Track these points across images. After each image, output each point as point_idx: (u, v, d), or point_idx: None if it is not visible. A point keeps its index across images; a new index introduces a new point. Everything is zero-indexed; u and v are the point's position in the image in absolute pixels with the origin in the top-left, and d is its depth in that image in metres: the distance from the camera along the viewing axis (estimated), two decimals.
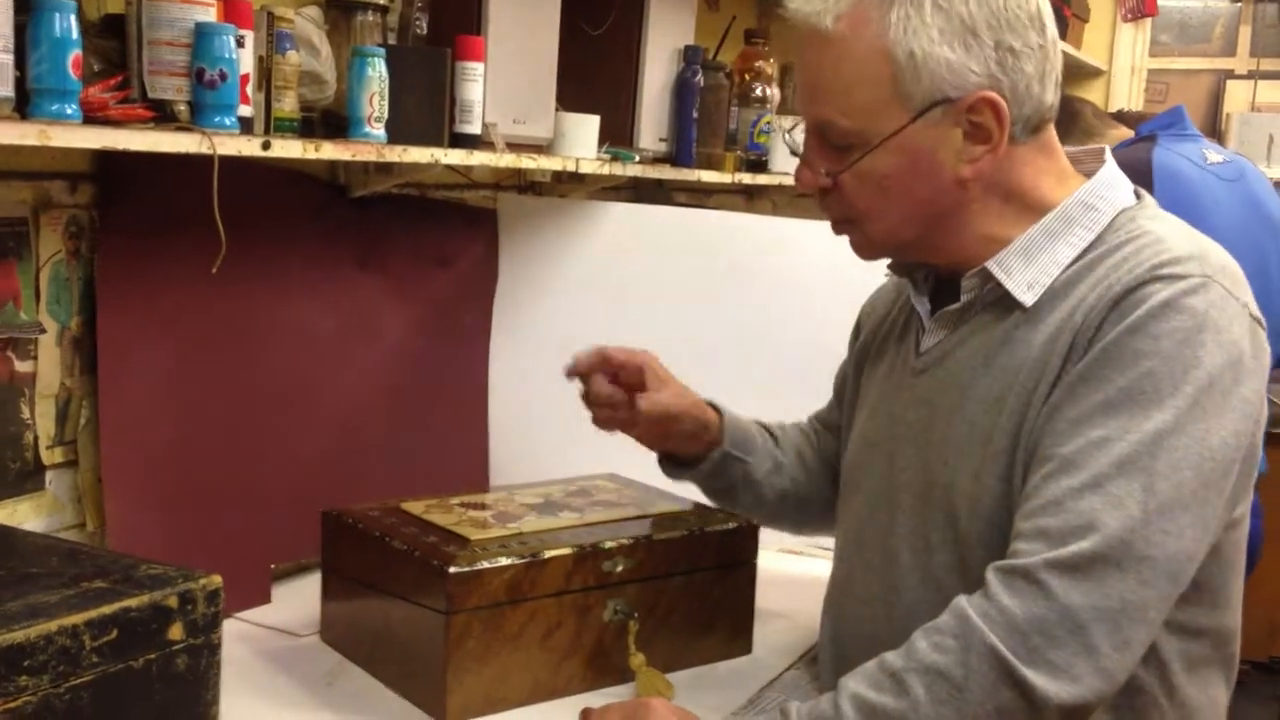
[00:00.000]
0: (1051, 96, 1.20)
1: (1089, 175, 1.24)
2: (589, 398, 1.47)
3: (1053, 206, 1.20)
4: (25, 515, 1.47)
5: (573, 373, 1.47)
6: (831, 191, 1.21)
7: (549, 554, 1.36)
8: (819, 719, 1.08)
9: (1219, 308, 1.09)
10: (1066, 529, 1.05)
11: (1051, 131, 1.23)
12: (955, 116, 1.15)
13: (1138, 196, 1.24)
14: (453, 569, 1.29)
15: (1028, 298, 1.18)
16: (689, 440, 1.48)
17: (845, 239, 1.29)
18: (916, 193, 1.18)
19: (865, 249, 1.26)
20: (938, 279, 1.29)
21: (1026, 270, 1.19)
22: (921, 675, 1.05)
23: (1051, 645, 1.02)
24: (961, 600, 1.08)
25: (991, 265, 1.19)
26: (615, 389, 1.47)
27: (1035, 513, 1.08)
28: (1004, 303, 1.20)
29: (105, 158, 1.48)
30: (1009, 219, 1.21)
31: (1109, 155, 1.25)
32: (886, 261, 1.34)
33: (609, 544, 1.40)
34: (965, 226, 1.21)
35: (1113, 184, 1.23)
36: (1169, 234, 1.17)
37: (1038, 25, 1.17)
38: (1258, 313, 1.14)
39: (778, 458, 1.53)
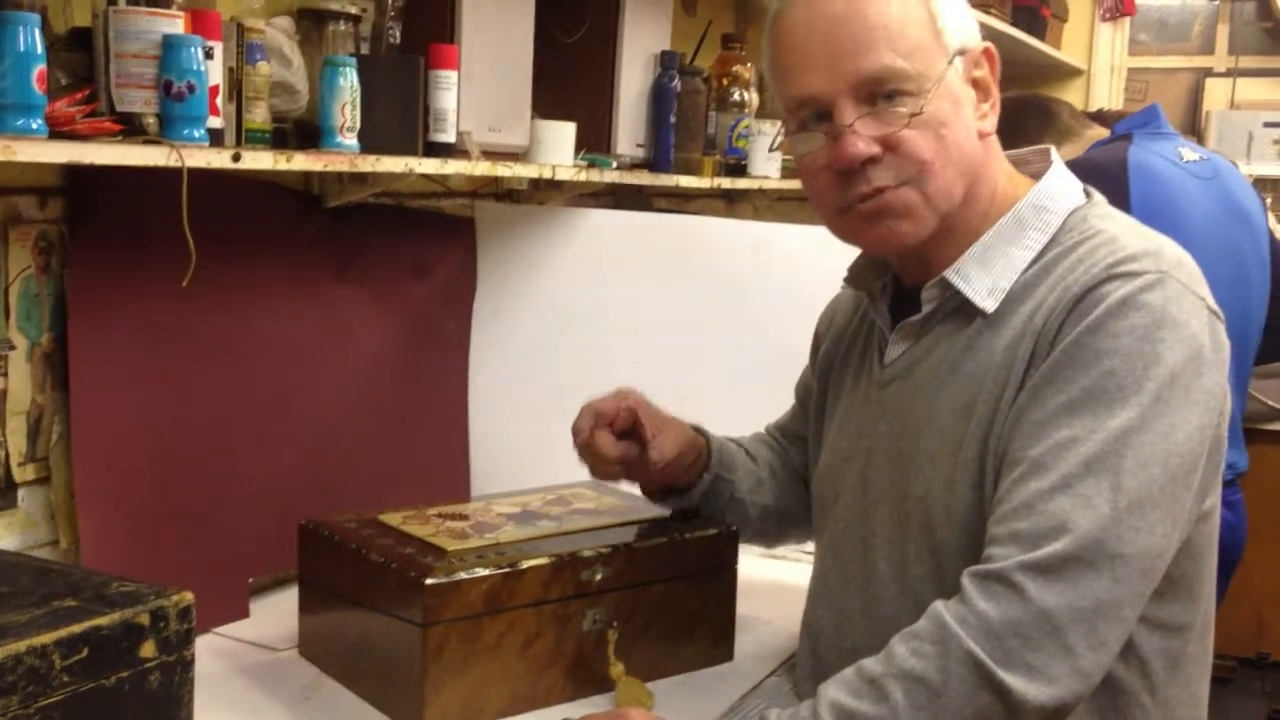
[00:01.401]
0: None
1: (1036, 176, 1.24)
2: (592, 453, 1.46)
3: (1007, 206, 1.21)
4: None
5: (583, 441, 1.46)
6: (878, 159, 1.15)
7: (527, 564, 1.35)
8: None
9: (1176, 303, 1.10)
10: (1039, 531, 1.05)
11: None
12: (968, 70, 1.19)
13: (1087, 195, 1.24)
14: (429, 580, 1.28)
15: (989, 304, 1.18)
16: (686, 472, 1.50)
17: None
18: (964, 144, 1.18)
19: (920, 214, 1.17)
20: (896, 290, 1.29)
21: (985, 276, 1.19)
22: (900, 681, 1.05)
23: (1028, 648, 1.02)
24: (938, 606, 1.07)
25: (950, 274, 1.20)
26: (626, 446, 1.46)
27: (1007, 516, 1.08)
28: (965, 310, 1.20)
29: (75, 172, 1.47)
30: (991, 208, 1.22)
31: (1055, 155, 1.27)
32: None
33: (587, 552, 1.40)
34: (981, 192, 1.21)
35: (1062, 184, 1.24)
36: (1121, 232, 1.17)
37: None
38: (1215, 306, 1.15)
39: (758, 474, 1.54)
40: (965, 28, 1.20)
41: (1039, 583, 1.03)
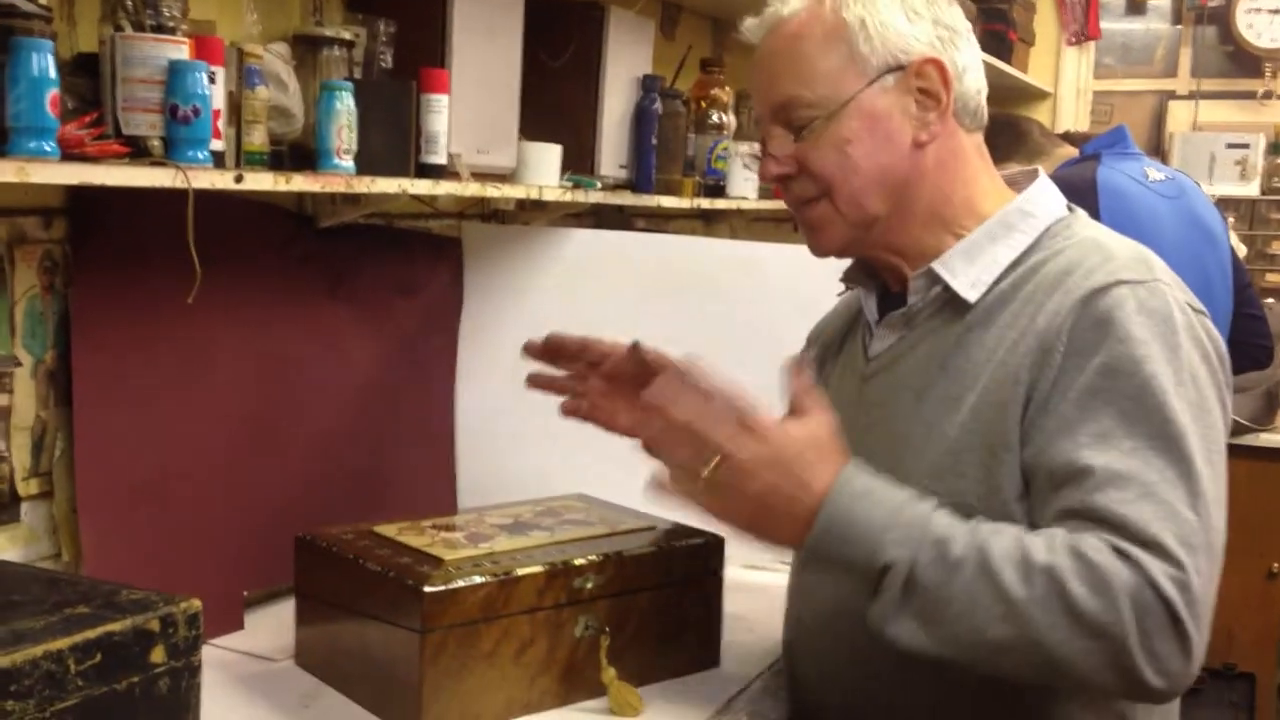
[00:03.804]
0: (984, 92, 1.31)
1: None
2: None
3: (990, 215, 1.28)
4: (1, 547, 1.49)
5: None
6: (796, 176, 1.27)
7: (521, 572, 1.39)
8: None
9: (1178, 306, 1.17)
10: (1139, 540, 1.07)
11: (984, 147, 1.32)
12: (906, 83, 1.25)
13: (1070, 210, 1.31)
14: (428, 588, 1.32)
15: (971, 294, 1.24)
16: None
17: (804, 251, 1.34)
18: (878, 157, 1.25)
19: (832, 226, 1.28)
20: (883, 292, 1.36)
21: (969, 270, 1.26)
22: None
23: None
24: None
25: (936, 265, 1.27)
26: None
27: (1101, 529, 1.09)
28: (952, 307, 1.26)
29: (78, 193, 1.50)
30: (952, 214, 1.28)
31: (1042, 173, 1.34)
32: (840, 273, 1.40)
33: (579, 561, 1.44)
34: (920, 200, 1.27)
35: (1047, 195, 1.31)
36: (1109, 240, 1.25)
37: (964, 22, 1.30)
38: (1200, 305, 1.22)
39: None
40: (902, 45, 1.25)
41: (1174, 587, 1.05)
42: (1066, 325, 1.17)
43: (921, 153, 1.27)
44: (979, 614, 1.07)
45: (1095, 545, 1.07)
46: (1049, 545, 1.08)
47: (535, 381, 1.50)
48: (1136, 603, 1.04)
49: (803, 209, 1.30)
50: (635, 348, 1.42)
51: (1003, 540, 1.09)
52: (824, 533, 1.12)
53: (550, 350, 1.48)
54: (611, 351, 1.46)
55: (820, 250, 1.33)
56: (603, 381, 1.47)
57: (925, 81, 1.26)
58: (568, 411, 1.49)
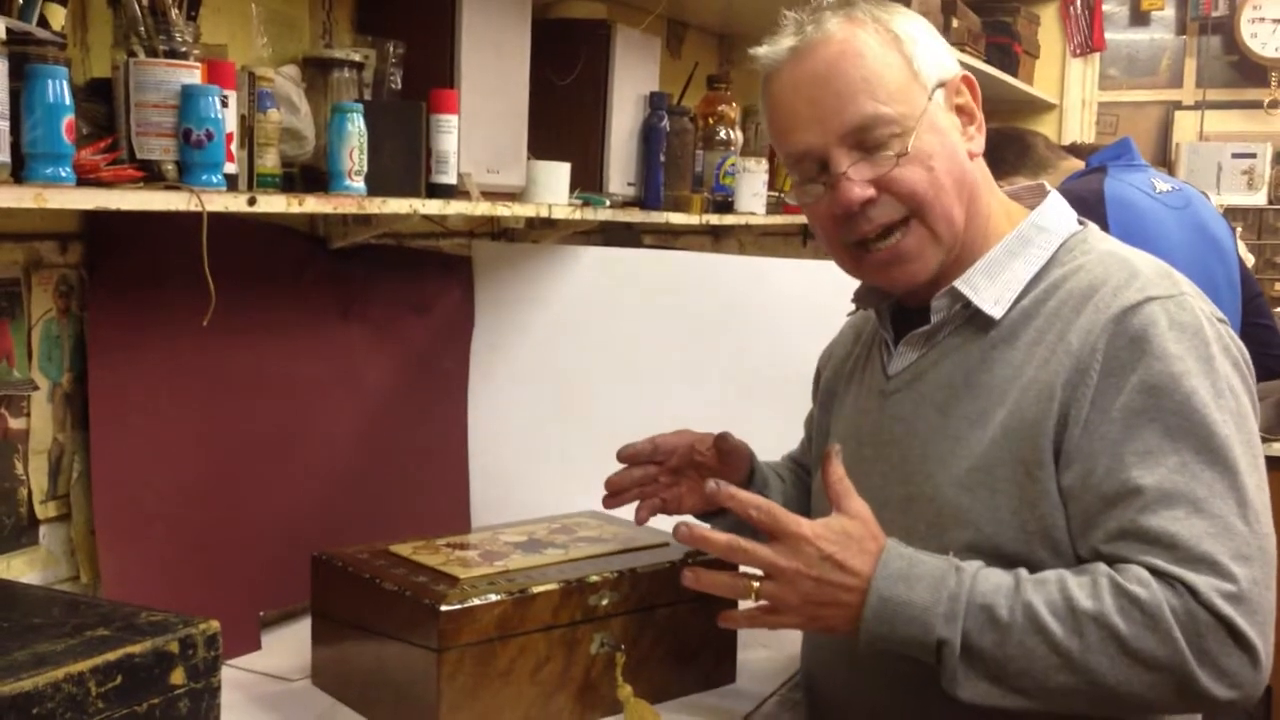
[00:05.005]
0: None
1: (1032, 209, 1.32)
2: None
3: (1005, 229, 1.29)
4: (19, 570, 1.49)
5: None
6: (875, 200, 1.23)
7: (536, 589, 1.39)
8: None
9: (1206, 318, 1.19)
10: (1189, 559, 1.10)
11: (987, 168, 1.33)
12: (949, 99, 1.27)
13: (1082, 224, 1.32)
14: (444, 607, 1.32)
15: (996, 311, 1.25)
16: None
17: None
18: (953, 170, 1.25)
19: (926, 253, 1.25)
20: (897, 311, 1.36)
21: (991, 287, 1.26)
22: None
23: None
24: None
25: (959, 284, 1.27)
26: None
27: (1151, 551, 1.11)
28: (975, 324, 1.27)
29: (93, 217, 1.52)
30: (990, 228, 1.29)
31: (1050, 188, 1.34)
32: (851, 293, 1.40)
33: (594, 578, 1.44)
34: (979, 212, 1.28)
35: (1060, 210, 1.32)
36: (1129, 254, 1.25)
37: None
38: (1222, 315, 1.23)
39: (786, 493, 1.59)
40: (941, 62, 1.27)
41: (1231, 607, 1.08)
42: (1100, 344, 1.17)
43: (974, 164, 1.28)
44: (1037, 668, 1.11)
45: (1140, 577, 1.09)
46: (1093, 588, 1.10)
47: (609, 504, 1.56)
48: (1189, 629, 1.07)
49: (888, 240, 1.25)
50: (723, 438, 1.52)
51: (1047, 591, 1.12)
52: (875, 620, 1.15)
53: (627, 459, 1.54)
54: (676, 447, 1.52)
55: (910, 282, 1.28)
56: (669, 475, 1.54)
57: (962, 98, 1.28)
58: (644, 517, 1.55)
